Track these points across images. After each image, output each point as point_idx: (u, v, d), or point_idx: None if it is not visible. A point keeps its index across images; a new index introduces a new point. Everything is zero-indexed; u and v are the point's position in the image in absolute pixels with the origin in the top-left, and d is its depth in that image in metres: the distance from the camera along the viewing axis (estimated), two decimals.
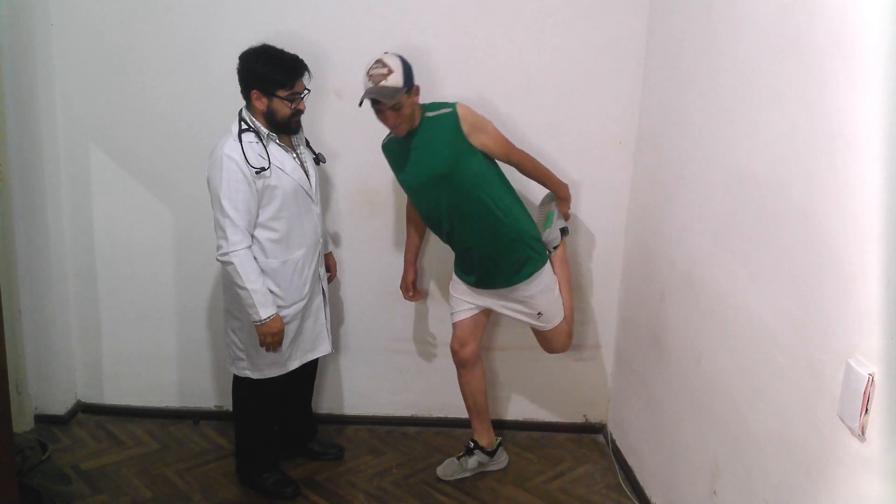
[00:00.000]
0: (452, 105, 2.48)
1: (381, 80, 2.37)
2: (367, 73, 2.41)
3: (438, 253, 2.94)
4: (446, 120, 2.46)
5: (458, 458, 2.88)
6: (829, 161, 1.51)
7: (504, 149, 2.56)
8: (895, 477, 1.31)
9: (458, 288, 2.76)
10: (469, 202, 2.50)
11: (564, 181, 2.73)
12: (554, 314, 2.72)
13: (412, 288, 2.92)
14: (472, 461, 2.86)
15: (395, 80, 2.37)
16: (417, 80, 2.47)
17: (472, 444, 2.88)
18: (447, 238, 2.65)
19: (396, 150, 2.59)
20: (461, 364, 2.82)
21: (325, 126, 2.92)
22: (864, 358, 1.38)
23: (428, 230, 2.82)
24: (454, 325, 2.80)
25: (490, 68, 2.83)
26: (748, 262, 1.89)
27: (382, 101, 2.37)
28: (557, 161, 2.93)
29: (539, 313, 2.68)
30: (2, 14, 2.77)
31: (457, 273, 2.75)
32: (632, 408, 2.89)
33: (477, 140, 2.48)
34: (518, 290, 2.63)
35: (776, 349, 1.74)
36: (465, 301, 2.75)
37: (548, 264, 2.67)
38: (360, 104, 2.41)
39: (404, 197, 2.90)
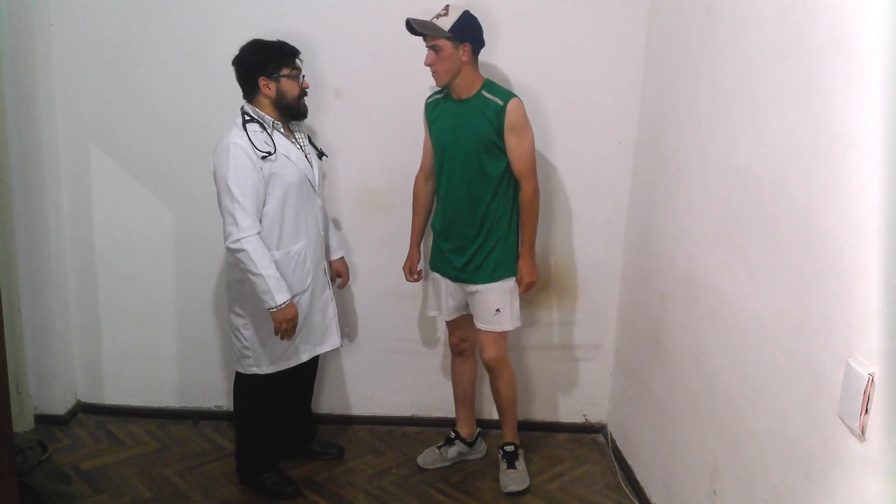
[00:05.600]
0: (507, 98, 2.51)
1: (433, 17, 2.47)
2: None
3: None
4: (495, 106, 2.51)
5: (439, 447, 2.94)
6: (829, 161, 1.51)
7: (524, 162, 2.56)
8: (895, 477, 1.31)
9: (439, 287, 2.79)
10: (472, 188, 2.58)
11: (534, 263, 2.69)
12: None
13: (415, 270, 2.89)
14: (453, 451, 2.92)
15: (444, 22, 2.46)
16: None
17: (452, 435, 2.95)
18: (442, 194, 2.68)
19: (443, 108, 2.63)
20: (460, 353, 2.87)
21: (326, 126, 2.92)
22: (864, 358, 1.38)
23: (432, 215, 2.82)
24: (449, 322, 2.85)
25: (488, 68, 2.82)
26: (748, 262, 1.89)
27: (416, 29, 2.45)
28: (557, 161, 2.94)
29: (497, 310, 2.67)
30: (2, 14, 2.77)
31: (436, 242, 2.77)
32: (632, 408, 2.89)
33: (510, 140, 2.53)
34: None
35: (776, 349, 1.73)
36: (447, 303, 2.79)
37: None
38: (410, 31, 2.49)
39: (404, 197, 2.90)
